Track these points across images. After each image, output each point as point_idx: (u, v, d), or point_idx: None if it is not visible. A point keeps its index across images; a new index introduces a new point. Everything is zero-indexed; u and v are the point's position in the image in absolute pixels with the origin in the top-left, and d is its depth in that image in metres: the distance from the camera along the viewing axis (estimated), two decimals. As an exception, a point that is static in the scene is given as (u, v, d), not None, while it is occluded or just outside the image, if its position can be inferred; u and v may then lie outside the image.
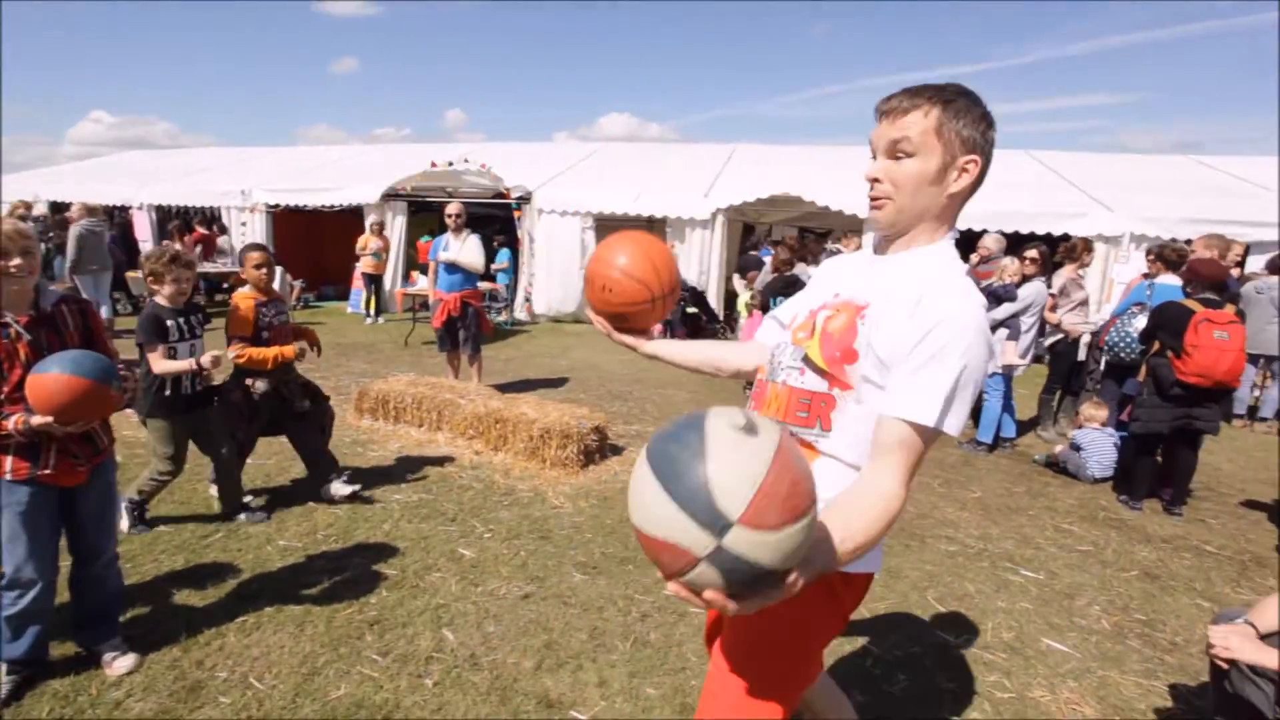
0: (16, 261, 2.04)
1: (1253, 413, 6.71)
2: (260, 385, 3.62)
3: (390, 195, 11.08)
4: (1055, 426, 5.72)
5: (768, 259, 7.69)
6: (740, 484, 0.83)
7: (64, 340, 2.18)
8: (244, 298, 3.63)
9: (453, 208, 6.01)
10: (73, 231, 7.99)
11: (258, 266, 3.65)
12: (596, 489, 4.14)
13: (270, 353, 3.59)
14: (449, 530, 3.54)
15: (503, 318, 10.76)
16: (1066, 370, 5.62)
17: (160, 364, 3.15)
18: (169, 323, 3.19)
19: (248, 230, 11.96)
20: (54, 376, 1.96)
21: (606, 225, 13.12)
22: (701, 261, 9.98)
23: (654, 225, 10.15)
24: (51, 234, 8.97)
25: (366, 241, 10.43)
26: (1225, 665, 1.78)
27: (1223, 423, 4.24)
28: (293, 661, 2.45)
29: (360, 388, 5.56)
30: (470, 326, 6.01)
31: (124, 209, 12.47)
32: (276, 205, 11.92)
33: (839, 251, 8.22)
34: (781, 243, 8.46)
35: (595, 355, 8.29)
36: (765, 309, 6.19)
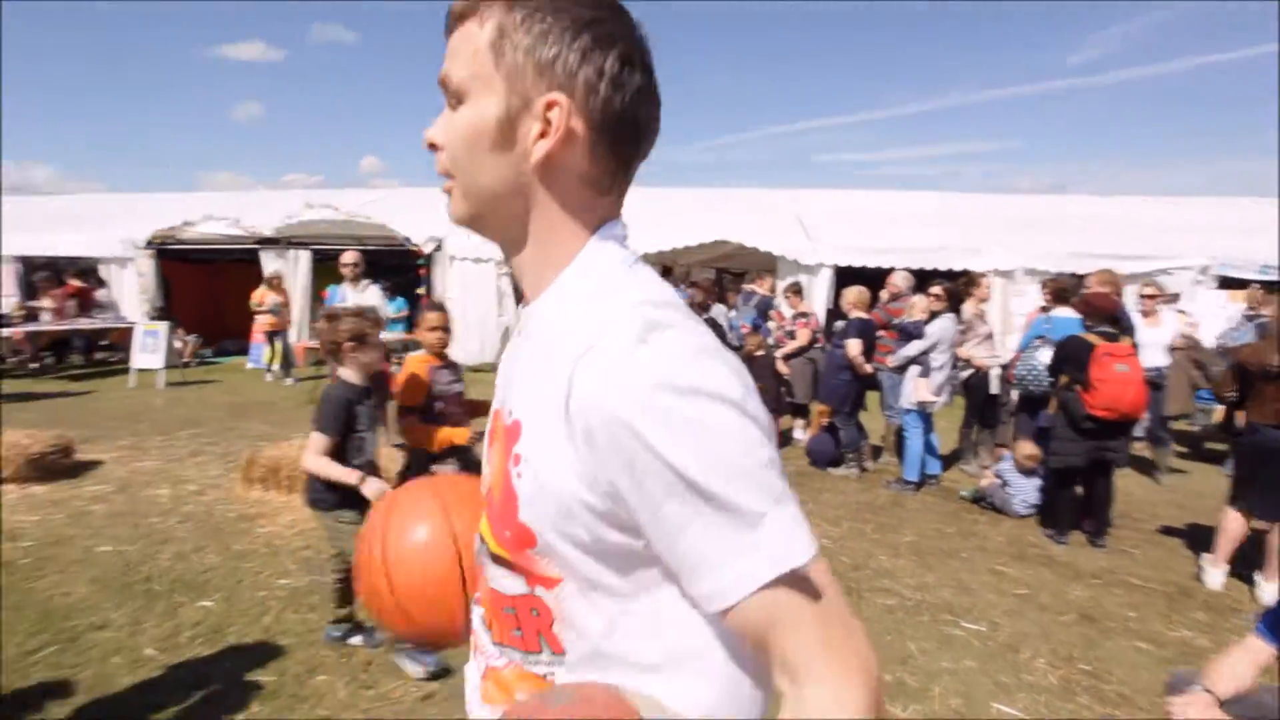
0: None
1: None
2: (449, 470, 3.03)
3: (266, 241, 10.50)
4: (976, 460, 5.82)
5: (682, 301, 7.64)
6: None
7: None
8: (419, 362, 3.14)
9: (348, 256, 5.67)
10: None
11: (433, 329, 3.17)
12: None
13: (450, 434, 3.03)
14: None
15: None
16: (980, 403, 5.74)
17: (318, 462, 2.55)
18: (358, 408, 2.65)
19: (141, 279, 10.97)
20: None
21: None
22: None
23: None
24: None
25: (262, 297, 9.72)
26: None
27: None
28: None
29: (250, 453, 5.00)
30: (378, 383, 5.59)
31: (-20, 261, 11.25)
32: (164, 245, 11.03)
33: (753, 294, 8.27)
34: (697, 284, 8.44)
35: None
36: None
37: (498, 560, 0.72)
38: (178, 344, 10.43)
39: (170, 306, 10.91)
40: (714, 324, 6.24)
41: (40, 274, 11.01)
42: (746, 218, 10.89)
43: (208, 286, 12.29)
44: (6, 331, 9.75)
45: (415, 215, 10.69)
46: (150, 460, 5.57)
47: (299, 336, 10.36)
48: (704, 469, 0.57)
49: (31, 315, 10.27)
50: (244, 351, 11.26)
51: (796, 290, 7.06)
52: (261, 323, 9.91)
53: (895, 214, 11.69)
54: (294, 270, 10.60)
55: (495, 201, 0.70)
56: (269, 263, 10.50)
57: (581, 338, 0.63)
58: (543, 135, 0.66)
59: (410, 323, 10.47)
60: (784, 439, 6.57)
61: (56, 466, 5.11)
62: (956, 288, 5.71)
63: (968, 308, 5.77)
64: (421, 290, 10.38)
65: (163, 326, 9.23)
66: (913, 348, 5.21)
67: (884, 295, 6.45)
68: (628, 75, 0.66)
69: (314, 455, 2.56)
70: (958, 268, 8.92)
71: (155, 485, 4.94)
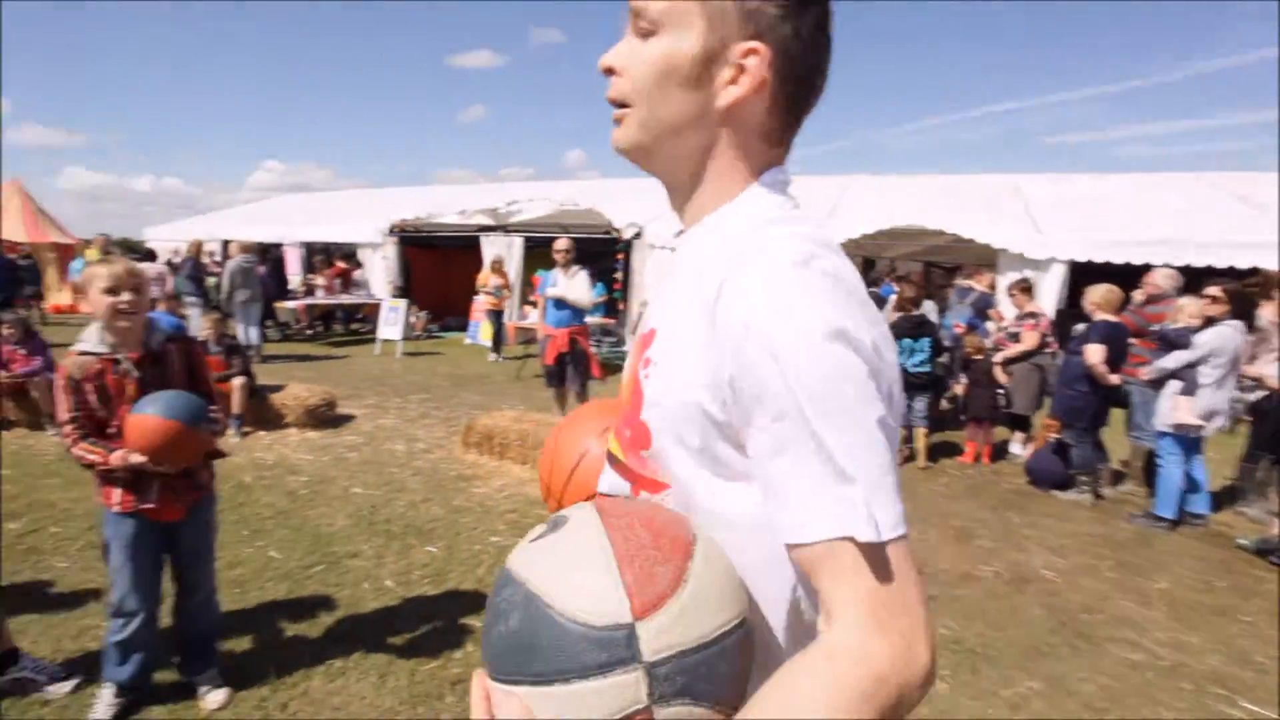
0: (127, 297, 2.08)
1: None
2: None
3: (488, 228, 11.54)
4: (1263, 502, 4.76)
5: (891, 297, 7.14)
6: (594, 578, 0.58)
7: (169, 378, 2.20)
8: None
9: (561, 243, 6.01)
10: (228, 266, 8.82)
11: None
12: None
13: None
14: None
15: (613, 349, 10.75)
16: (1273, 433, 4.67)
17: None
18: None
19: (385, 262, 12.77)
20: (148, 418, 1.99)
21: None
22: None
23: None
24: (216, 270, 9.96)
25: (486, 279, 10.79)
26: None
27: None
28: (370, 715, 2.31)
29: (468, 421, 5.58)
30: (579, 364, 5.95)
31: (278, 246, 13.75)
32: (406, 233, 12.69)
33: (970, 290, 7.49)
34: (906, 279, 7.85)
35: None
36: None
37: (613, 461, 0.77)
38: (413, 319, 11.99)
39: (409, 286, 12.52)
40: (925, 321, 5.75)
41: (317, 257, 13.26)
42: (961, 206, 9.88)
43: (438, 269, 13.89)
44: (291, 304, 11.86)
45: (616, 204, 11.15)
46: (389, 418, 6.45)
47: (510, 317, 11.36)
48: (823, 407, 0.56)
49: (309, 291, 12.42)
50: (464, 328, 12.61)
51: (1025, 288, 6.27)
52: (482, 302, 11.00)
53: (1143, 202, 9.89)
54: (509, 255, 11.62)
55: (672, 136, 0.70)
56: (489, 248, 11.60)
57: (739, 255, 0.63)
58: (733, 81, 0.67)
59: (609, 308, 11.04)
60: (998, 452, 5.90)
61: (324, 417, 6.12)
62: (1244, 289, 4.69)
63: (1263, 314, 4.71)
64: (618, 275, 10.82)
65: (402, 303, 10.63)
66: (1174, 359, 4.38)
67: (1138, 296, 5.50)
68: (819, 37, 0.68)
69: None
70: (1241, 265, 7.35)
71: (393, 441, 5.70)
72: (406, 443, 5.65)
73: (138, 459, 2.02)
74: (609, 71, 0.73)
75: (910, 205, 10.04)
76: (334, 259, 13.36)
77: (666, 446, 0.68)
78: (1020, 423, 5.98)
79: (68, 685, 2.38)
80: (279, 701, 2.37)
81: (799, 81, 0.69)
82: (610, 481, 0.77)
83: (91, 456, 2.07)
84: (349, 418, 6.34)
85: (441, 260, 13.87)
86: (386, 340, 10.43)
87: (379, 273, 12.80)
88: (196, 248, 9.90)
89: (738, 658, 0.60)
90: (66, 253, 14.15)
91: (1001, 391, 5.90)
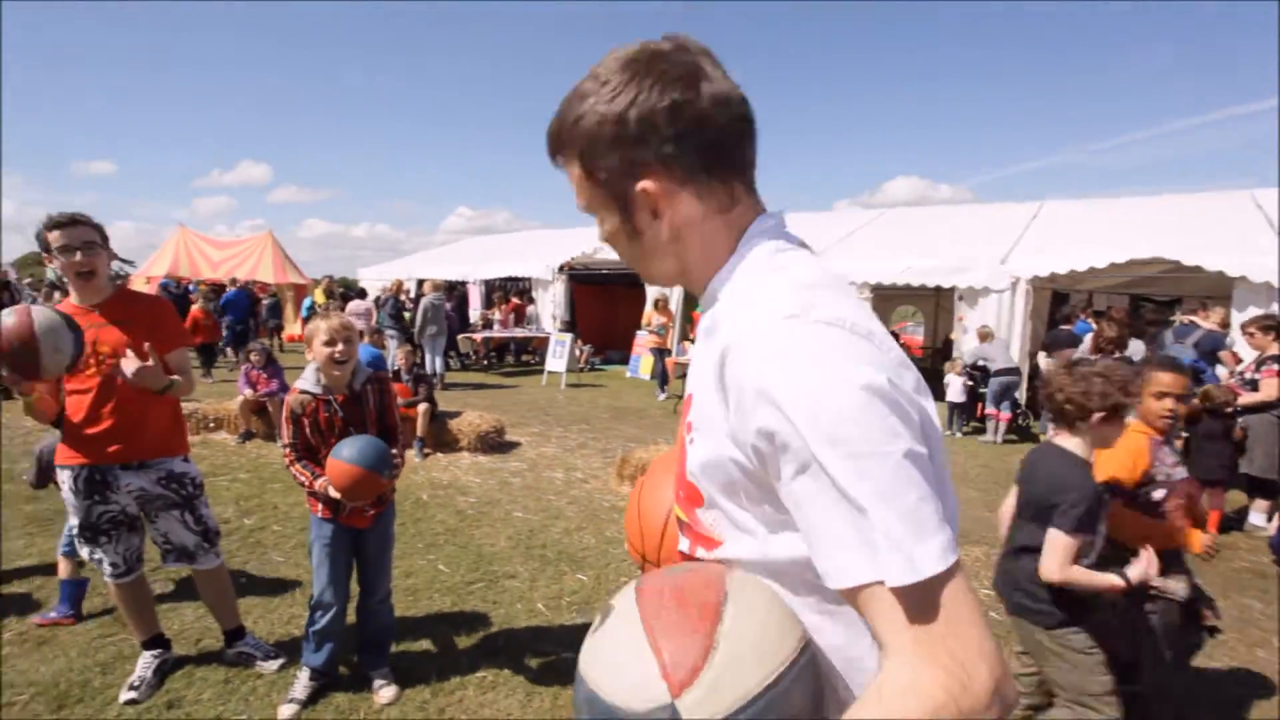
0: (340, 348, 2.45)
1: None
2: (1180, 590, 2.22)
3: None
4: None
5: (1086, 336, 6.33)
6: (633, 665, 0.62)
7: (365, 414, 2.56)
8: (1138, 431, 2.30)
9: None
10: (421, 303, 9.93)
11: (1162, 394, 2.31)
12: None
13: (1171, 532, 2.23)
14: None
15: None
16: None
17: (1069, 571, 1.92)
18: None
19: (553, 297, 13.67)
20: (342, 464, 2.32)
21: (884, 296, 12.28)
22: (1000, 336, 8.64)
23: (940, 294, 9.15)
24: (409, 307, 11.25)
25: (649, 317, 11.12)
26: None
27: None
28: (518, 734, 2.42)
29: (624, 454, 5.75)
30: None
31: (463, 283, 15.25)
32: (574, 270, 13.49)
33: (1194, 327, 6.41)
34: (1106, 315, 6.92)
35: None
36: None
37: (679, 522, 0.83)
38: (577, 352, 12.66)
39: (575, 320, 13.28)
40: (1131, 364, 5.02)
41: (495, 293, 14.50)
42: (1180, 228, 8.56)
43: (603, 304, 14.61)
44: (471, 336, 13.05)
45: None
46: (551, 447, 6.82)
47: (672, 353, 11.60)
48: (838, 454, 0.58)
49: (486, 324, 13.60)
50: (625, 361, 13.08)
51: (1268, 325, 5.27)
52: (645, 340, 11.36)
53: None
54: (672, 293, 11.92)
55: (662, 274, 0.81)
56: (652, 286, 11.97)
57: (736, 316, 0.69)
58: (655, 215, 0.76)
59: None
60: (1229, 523, 4.94)
61: (494, 443, 6.61)
62: None
63: None
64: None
65: (568, 337, 11.27)
66: None
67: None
68: (683, 123, 0.71)
69: (1062, 561, 1.93)
70: None
71: (554, 469, 6.01)
72: (565, 471, 5.94)
73: (333, 493, 2.38)
74: None
75: (1115, 229, 8.91)
76: (509, 295, 14.55)
77: (715, 503, 0.73)
78: (1264, 487, 4.97)
79: (276, 664, 2.76)
80: (438, 706, 2.56)
81: (703, 161, 0.74)
82: (683, 542, 0.82)
83: (301, 478, 2.48)
84: (515, 444, 6.80)
85: (606, 296, 14.57)
86: (552, 372, 11.09)
87: (548, 308, 13.72)
88: (397, 286, 11.28)
89: (794, 699, 0.61)
90: (301, 291, 16.77)
91: (1235, 449, 4.96)
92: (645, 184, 0.74)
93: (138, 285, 15.33)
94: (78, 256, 2.40)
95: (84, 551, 2.60)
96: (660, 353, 10.83)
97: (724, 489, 0.71)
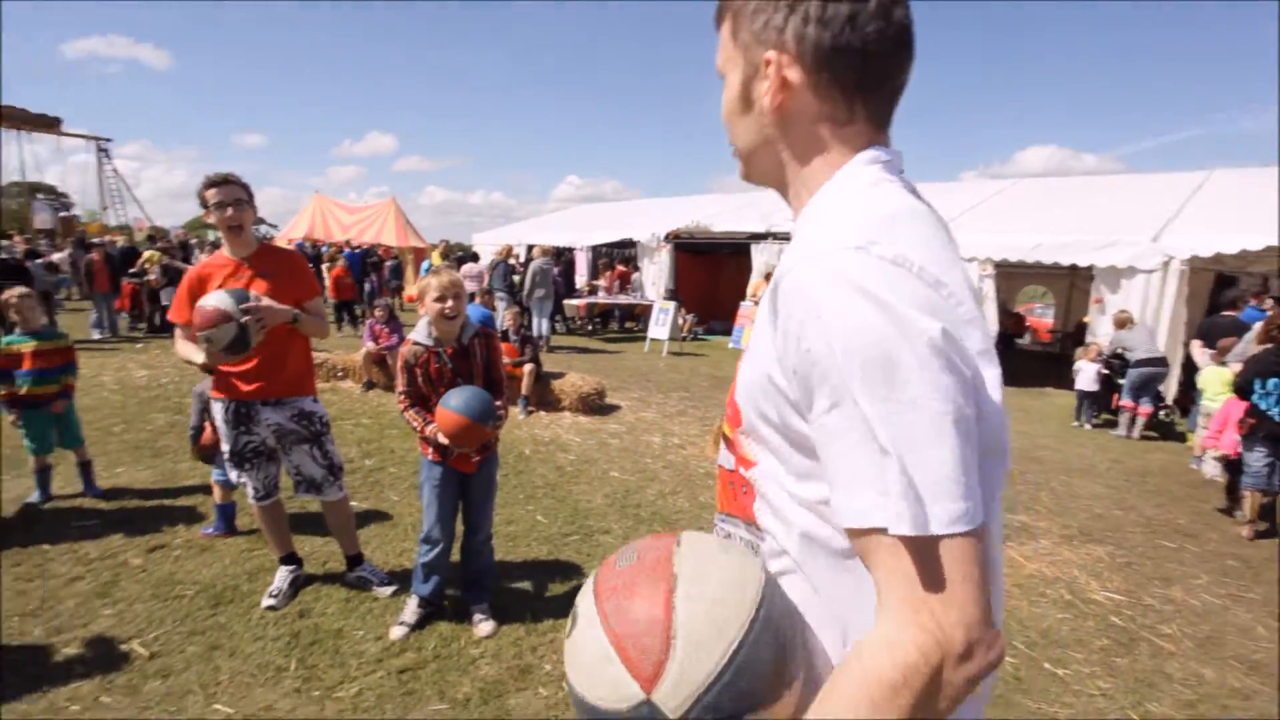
0: (450, 304, 2.60)
1: None
2: None
3: (759, 236, 11.58)
4: None
5: (1256, 324, 5.59)
6: (604, 670, 0.65)
7: (473, 366, 2.72)
8: None
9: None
10: (530, 267, 10.25)
11: None
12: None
13: None
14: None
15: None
16: None
17: None
18: None
19: (658, 265, 13.73)
20: (449, 412, 2.48)
21: (1011, 273, 11.37)
22: (1144, 322, 7.79)
23: (1076, 274, 8.36)
24: (518, 271, 11.67)
25: (757, 288, 10.98)
26: None
27: None
28: (604, 679, 2.53)
29: (720, 422, 5.73)
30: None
31: (570, 250, 15.60)
32: (680, 239, 13.46)
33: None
34: (1282, 301, 6.07)
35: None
36: (1245, 393, 4.44)
37: (725, 439, 0.83)
38: (680, 320, 12.69)
39: (678, 289, 13.28)
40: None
41: (601, 260, 14.74)
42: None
43: (707, 274, 14.50)
44: (576, 302, 13.37)
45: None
46: (650, 412, 6.91)
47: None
48: (875, 394, 0.57)
49: (592, 291, 13.87)
50: (728, 332, 12.96)
51: None
52: (749, 311, 11.23)
53: None
54: (777, 263, 11.67)
55: (753, 156, 0.80)
56: (759, 256, 11.75)
57: (806, 238, 0.69)
58: (771, 91, 0.74)
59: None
60: None
61: (594, 405, 6.79)
62: None
63: None
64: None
65: (671, 305, 11.30)
66: None
67: None
68: (833, 12, 0.70)
69: None
70: None
71: (651, 433, 6.11)
72: (663, 436, 6.01)
73: (442, 439, 2.56)
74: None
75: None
76: (615, 263, 14.74)
77: (753, 421, 0.74)
78: None
79: (390, 590, 3.02)
80: (530, 644, 2.71)
81: (832, 59, 0.71)
82: (725, 456, 0.84)
83: (414, 423, 2.68)
84: (615, 407, 6.95)
85: (711, 266, 14.44)
86: (654, 339, 11.18)
87: (653, 276, 13.79)
88: (506, 251, 11.68)
89: (761, 653, 0.64)
90: (420, 255, 17.79)
91: None
92: (772, 54, 0.73)
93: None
94: (229, 211, 2.66)
95: (232, 475, 2.93)
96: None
97: (761, 413, 0.72)
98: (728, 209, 14.77)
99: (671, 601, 0.65)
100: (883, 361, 0.57)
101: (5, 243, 12.97)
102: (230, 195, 2.68)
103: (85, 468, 4.10)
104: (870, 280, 0.60)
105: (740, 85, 0.77)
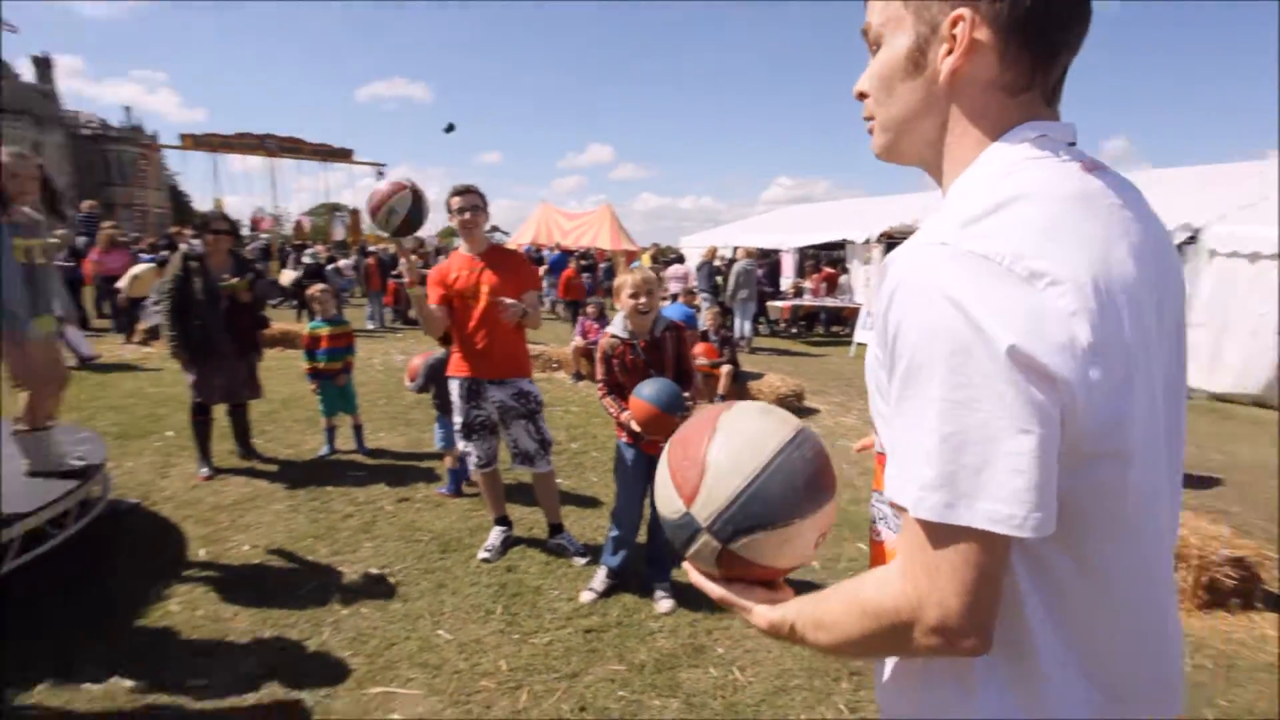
0: (644, 300, 2.79)
1: None
2: None
3: None
4: None
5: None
6: (668, 489, 0.90)
7: (663, 359, 2.89)
8: None
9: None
10: (734, 268, 10.35)
11: None
12: (1215, 645, 2.85)
13: None
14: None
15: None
16: None
17: None
18: None
19: (869, 267, 13.07)
20: (641, 401, 2.64)
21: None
22: None
23: None
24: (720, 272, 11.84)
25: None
26: None
27: None
28: (773, 670, 2.54)
29: (924, 430, 5.34)
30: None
31: (776, 251, 15.44)
32: (893, 239, 12.66)
33: None
34: None
35: (1270, 455, 5.76)
36: None
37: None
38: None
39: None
40: None
41: (808, 262, 14.38)
42: None
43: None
44: (780, 304, 13.20)
45: (1168, 200, 8.81)
46: (850, 418, 6.64)
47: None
48: (927, 389, 0.61)
49: (797, 293, 13.59)
50: (944, 340, 11.91)
51: None
52: None
53: None
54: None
55: (906, 126, 0.76)
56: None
57: (921, 228, 0.68)
58: (949, 52, 0.69)
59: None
60: None
61: (791, 406, 6.68)
62: None
63: None
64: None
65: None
66: None
67: None
68: None
69: None
70: None
71: (849, 438, 5.86)
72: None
73: (634, 425, 2.74)
74: (860, 96, 0.81)
75: None
76: (821, 264, 14.29)
77: (871, 396, 0.80)
78: None
79: (583, 560, 3.30)
80: (706, 627, 2.79)
81: (1025, 23, 0.67)
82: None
83: (610, 409, 2.91)
84: (813, 411, 6.79)
85: None
86: (860, 343, 10.67)
87: (863, 278, 13.14)
88: (712, 253, 11.93)
89: (771, 489, 0.83)
90: (631, 257, 18.80)
91: None
92: (961, 10, 0.67)
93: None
94: (466, 215, 3.12)
95: (460, 445, 3.41)
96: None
97: (876, 385, 0.76)
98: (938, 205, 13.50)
99: (708, 447, 0.88)
100: (944, 360, 0.60)
101: (311, 251, 16.28)
102: (469, 202, 3.14)
103: (358, 430, 5.03)
104: (945, 279, 0.61)
105: (910, 46, 0.72)
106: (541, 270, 13.11)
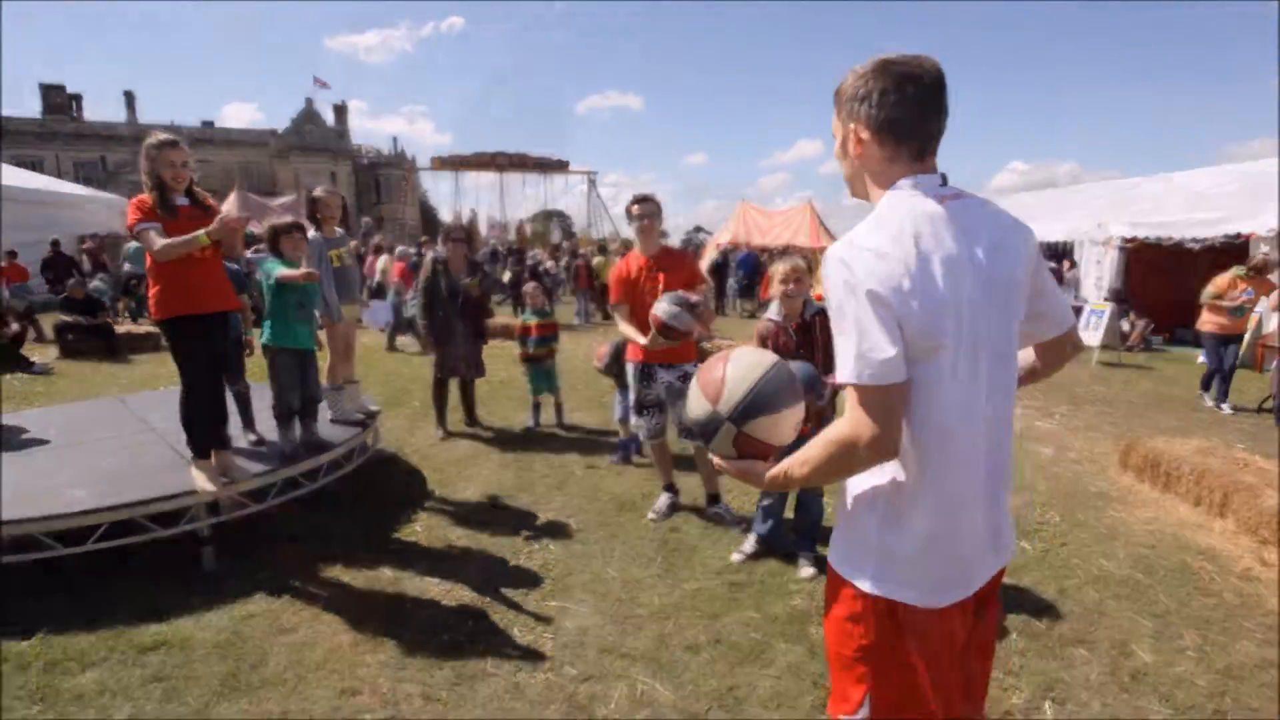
0: (793, 286, 3.07)
1: None
2: None
3: None
4: None
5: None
6: (698, 395, 1.38)
7: (812, 341, 3.13)
8: None
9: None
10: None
11: None
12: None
13: None
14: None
15: None
16: None
17: None
18: None
19: (1101, 265, 11.55)
20: None
21: None
22: None
23: None
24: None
25: (1227, 284, 7.84)
26: None
27: None
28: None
29: (1130, 440, 4.85)
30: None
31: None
32: (1132, 239, 11.04)
33: None
34: None
35: None
36: None
37: None
38: (1125, 327, 10.45)
39: (1129, 289, 10.89)
40: None
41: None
42: None
43: (1169, 274, 11.30)
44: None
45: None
46: (1049, 423, 6.15)
47: (1266, 327, 8.54)
48: (840, 316, 1.11)
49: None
50: (1200, 344, 10.11)
51: None
52: (1211, 319, 8.19)
53: None
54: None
55: (852, 183, 1.30)
56: (1258, 246, 8.92)
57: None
58: (855, 144, 1.23)
59: None
60: None
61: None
62: None
63: None
64: None
65: (1108, 308, 9.46)
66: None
67: None
68: (887, 98, 1.17)
69: None
70: None
71: (1043, 443, 5.48)
72: (1056, 449, 5.35)
73: None
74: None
75: None
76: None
77: None
78: None
79: (738, 528, 3.65)
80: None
81: (887, 125, 1.18)
82: None
83: None
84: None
85: (1175, 263, 11.15)
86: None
87: (1093, 272, 11.64)
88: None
89: (768, 392, 1.30)
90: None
91: None
92: (851, 124, 1.25)
93: (709, 251, 19.46)
94: (645, 221, 3.62)
95: (633, 420, 3.94)
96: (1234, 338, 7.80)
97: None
98: (1196, 191, 11.33)
99: (725, 366, 1.36)
100: (848, 303, 1.10)
101: (532, 253, 18.38)
102: (647, 210, 3.64)
103: (559, 408, 5.85)
104: (847, 258, 1.11)
105: (840, 142, 1.27)
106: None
